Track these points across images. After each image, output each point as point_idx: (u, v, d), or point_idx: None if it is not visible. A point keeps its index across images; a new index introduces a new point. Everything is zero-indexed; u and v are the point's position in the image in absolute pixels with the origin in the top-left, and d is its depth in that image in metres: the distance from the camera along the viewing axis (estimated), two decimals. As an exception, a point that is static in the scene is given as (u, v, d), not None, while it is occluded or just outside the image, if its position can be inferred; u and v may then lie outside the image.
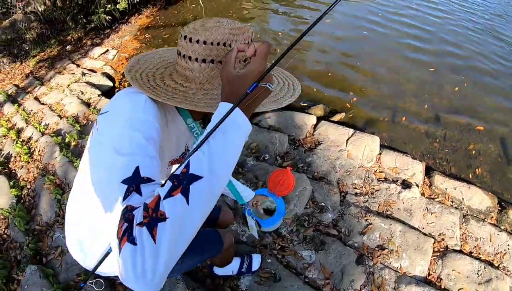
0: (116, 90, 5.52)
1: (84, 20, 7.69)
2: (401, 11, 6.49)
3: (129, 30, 7.40)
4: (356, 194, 2.83)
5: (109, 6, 7.13)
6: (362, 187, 2.89)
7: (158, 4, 8.29)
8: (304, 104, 4.12)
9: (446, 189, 2.95)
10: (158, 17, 7.73)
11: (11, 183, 3.63)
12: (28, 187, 3.54)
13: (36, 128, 4.51)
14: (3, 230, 3.17)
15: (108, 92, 5.40)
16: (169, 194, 0.64)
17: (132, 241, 0.61)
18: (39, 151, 4.02)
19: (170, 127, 1.06)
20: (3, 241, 3.05)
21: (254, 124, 3.63)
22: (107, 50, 6.74)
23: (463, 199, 2.89)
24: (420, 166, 3.09)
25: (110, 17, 7.26)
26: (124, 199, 0.70)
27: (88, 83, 5.51)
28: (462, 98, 4.24)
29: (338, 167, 3.05)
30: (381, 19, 6.14)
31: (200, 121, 1.17)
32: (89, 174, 1.00)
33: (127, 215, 0.65)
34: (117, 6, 7.06)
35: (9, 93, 6.09)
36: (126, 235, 0.62)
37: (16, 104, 5.47)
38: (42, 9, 7.87)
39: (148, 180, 0.74)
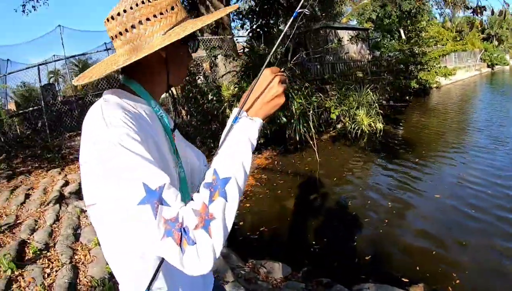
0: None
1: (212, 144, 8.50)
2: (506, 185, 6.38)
3: (248, 166, 8.23)
4: None
5: (237, 139, 8.08)
6: None
7: (278, 149, 9.24)
8: (406, 280, 4.10)
9: None
10: (276, 161, 8.59)
11: None
12: None
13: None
14: None
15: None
16: (211, 200, 0.79)
17: (193, 243, 0.75)
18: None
19: (151, 121, 1.01)
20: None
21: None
22: (224, 178, 7.47)
23: None
24: None
25: (234, 149, 8.15)
26: (155, 216, 0.76)
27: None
28: None
29: None
30: (488, 197, 6.01)
31: (160, 97, 1.12)
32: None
33: (177, 225, 0.76)
34: (244, 142, 8.01)
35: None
36: (184, 239, 0.75)
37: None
38: (178, 122, 9.08)
39: (161, 188, 0.79)
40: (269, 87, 0.95)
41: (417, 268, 4.34)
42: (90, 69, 1.05)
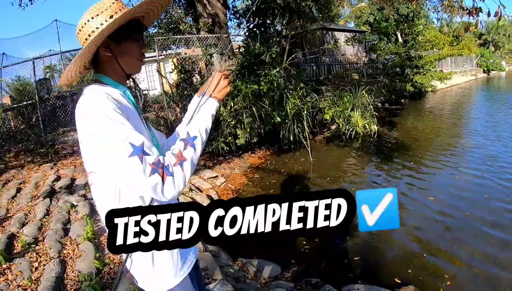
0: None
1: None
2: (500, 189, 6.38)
3: (240, 165, 8.23)
4: None
5: (230, 138, 8.11)
6: None
7: (272, 149, 9.23)
8: (399, 280, 4.09)
9: None
10: (269, 161, 8.57)
11: (97, 255, 3.81)
12: (111, 267, 3.65)
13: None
14: (72, 290, 3.30)
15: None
16: (184, 147, 1.22)
17: (171, 175, 1.13)
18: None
19: (123, 100, 1.32)
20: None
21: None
22: (217, 176, 7.46)
23: None
24: None
25: (227, 148, 8.12)
26: (142, 163, 1.10)
27: (193, 200, 6.05)
28: None
29: None
30: (482, 200, 6.00)
31: (125, 83, 1.45)
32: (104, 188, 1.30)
33: (160, 165, 1.12)
34: (236, 141, 7.98)
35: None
36: (165, 173, 1.12)
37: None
38: (172, 119, 9.11)
39: (142, 144, 1.12)
40: (220, 82, 1.46)
41: (408, 270, 4.30)
42: (65, 71, 1.39)
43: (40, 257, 3.83)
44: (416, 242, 4.90)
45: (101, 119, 1.14)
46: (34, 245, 4.08)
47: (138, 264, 1.35)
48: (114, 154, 1.11)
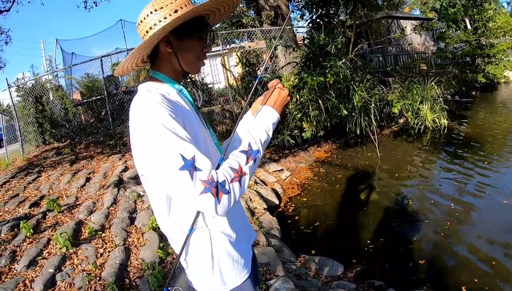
0: (279, 209, 5.91)
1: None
2: None
3: (306, 158, 8.10)
4: None
5: (296, 131, 7.98)
6: None
7: (338, 143, 9.01)
8: (462, 289, 3.76)
9: None
10: (335, 155, 8.38)
11: (161, 244, 3.87)
12: (174, 257, 3.61)
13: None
14: (135, 278, 3.35)
15: (272, 209, 5.76)
16: (246, 162, 1.15)
17: (227, 192, 1.06)
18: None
19: (179, 99, 1.26)
20: (129, 286, 3.26)
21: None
22: (282, 169, 7.39)
23: None
24: None
25: (293, 141, 7.99)
26: (192, 179, 1.02)
27: (258, 193, 6.03)
28: None
29: None
30: None
31: (182, 81, 1.37)
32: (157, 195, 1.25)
33: (213, 184, 1.04)
34: (302, 134, 7.83)
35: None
36: (220, 191, 1.04)
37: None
38: (238, 112, 9.07)
39: (193, 158, 1.04)
40: (281, 93, 1.39)
41: (475, 279, 3.93)
42: (122, 62, 1.32)
43: (106, 244, 3.97)
44: (486, 249, 4.44)
45: (153, 125, 1.07)
46: (101, 232, 4.26)
47: (195, 267, 1.31)
48: (164, 164, 1.06)
